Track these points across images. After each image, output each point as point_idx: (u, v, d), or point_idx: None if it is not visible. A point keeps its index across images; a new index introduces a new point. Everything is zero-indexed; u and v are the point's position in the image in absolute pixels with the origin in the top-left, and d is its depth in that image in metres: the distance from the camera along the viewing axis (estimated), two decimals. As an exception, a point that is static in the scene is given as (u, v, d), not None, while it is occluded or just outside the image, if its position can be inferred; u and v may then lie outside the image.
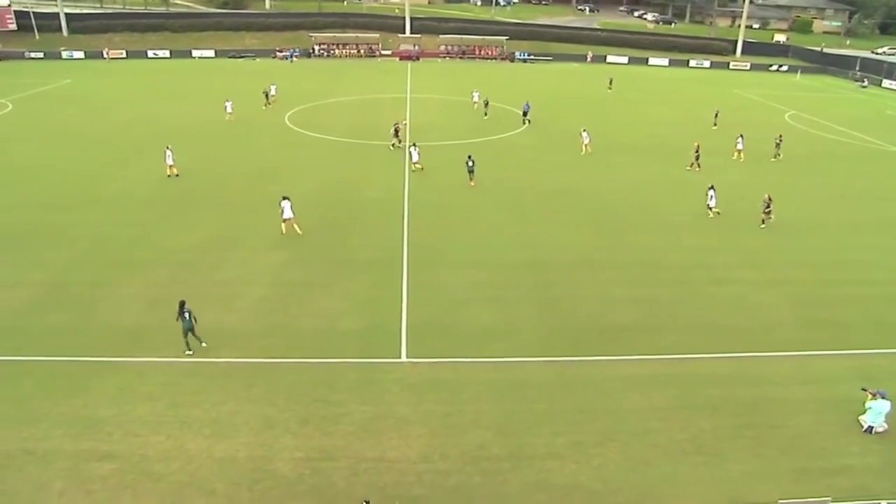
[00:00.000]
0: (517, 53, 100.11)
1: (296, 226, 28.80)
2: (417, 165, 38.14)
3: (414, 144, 39.27)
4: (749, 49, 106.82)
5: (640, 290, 24.69)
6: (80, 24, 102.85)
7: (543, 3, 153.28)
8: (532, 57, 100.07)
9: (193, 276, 24.85)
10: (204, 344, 20.22)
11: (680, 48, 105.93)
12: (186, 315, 19.76)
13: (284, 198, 28.72)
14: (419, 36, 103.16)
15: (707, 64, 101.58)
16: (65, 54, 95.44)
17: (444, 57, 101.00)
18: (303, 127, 49.46)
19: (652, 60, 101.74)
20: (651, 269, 26.54)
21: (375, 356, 20.02)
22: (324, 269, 25.58)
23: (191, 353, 19.97)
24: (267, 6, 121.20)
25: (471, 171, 35.86)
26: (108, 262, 25.92)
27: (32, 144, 44.03)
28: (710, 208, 31.95)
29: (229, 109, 51.13)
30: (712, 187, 32.18)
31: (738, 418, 17.96)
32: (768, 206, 30.88)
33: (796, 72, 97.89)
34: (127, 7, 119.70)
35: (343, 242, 28.22)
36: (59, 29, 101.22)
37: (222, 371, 19.19)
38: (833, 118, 60.47)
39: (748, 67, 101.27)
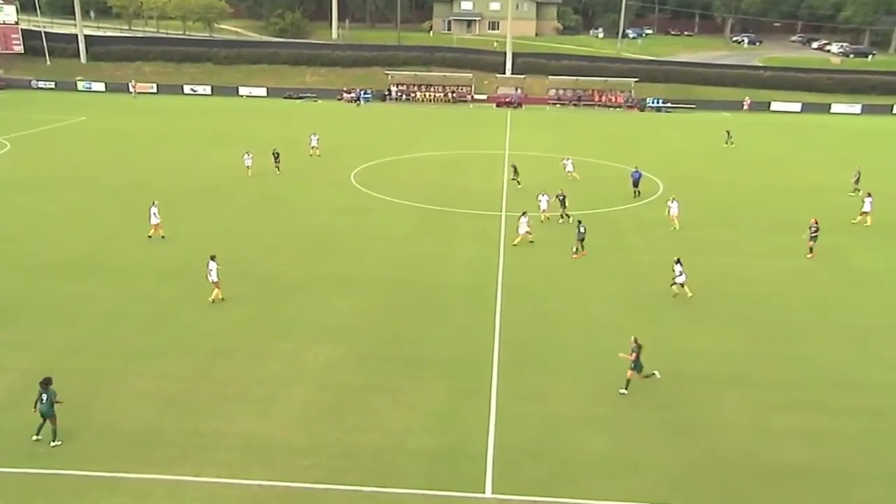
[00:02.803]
0: (649, 100, 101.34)
1: (216, 291, 31.08)
2: (529, 235, 39.61)
3: (524, 213, 40.43)
4: None
5: (814, 418, 23.74)
6: (103, 50, 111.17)
7: (686, 33, 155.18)
8: (668, 105, 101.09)
9: (224, 369, 25.69)
10: (55, 443, 20.92)
11: (880, 89, 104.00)
12: (44, 397, 20.79)
13: (212, 257, 30.90)
14: (523, 77, 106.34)
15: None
16: (81, 85, 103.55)
17: (554, 104, 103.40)
18: (372, 188, 51.45)
19: (836, 107, 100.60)
20: (829, 390, 25.55)
21: (451, 488, 19.91)
22: (390, 370, 25.97)
23: (38, 438, 20.96)
24: (334, 35, 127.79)
25: (581, 240, 38.06)
26: (117, 347, 27.15)
27: (33, 195, 47.67)
28: (681, 285, 32.62)
29: (248, 163, 53.96)
30: (678, 261, 32.54)
31: None
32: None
33: None
34: (161, 31, 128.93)
35: (416, 336, 28.71)
36: (77, 54, 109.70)
37: (252, 496, 19.49)
38: None
39: None
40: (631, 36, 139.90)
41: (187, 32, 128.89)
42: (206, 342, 27.66)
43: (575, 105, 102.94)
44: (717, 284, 34.98)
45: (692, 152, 69.77)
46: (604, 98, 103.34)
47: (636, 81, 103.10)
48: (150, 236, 39.09)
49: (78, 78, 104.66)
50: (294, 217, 44.18)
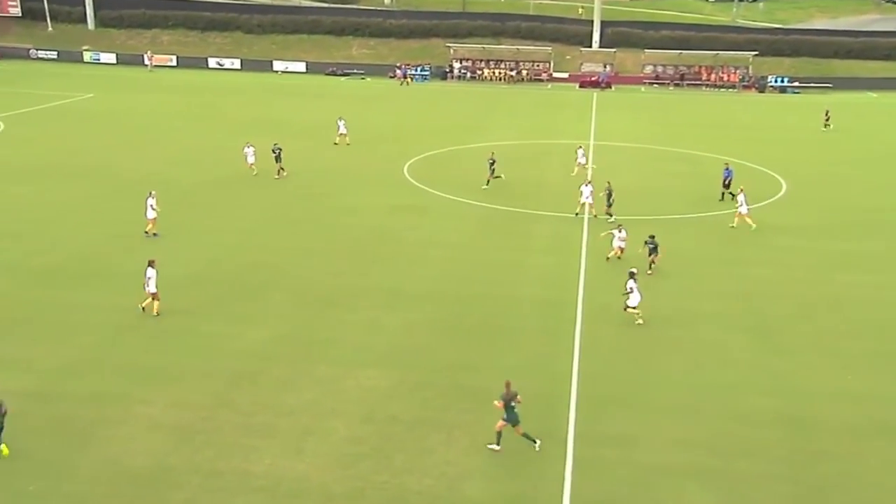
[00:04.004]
0: (770, 78, 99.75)
1: (155, 304, 31.31)
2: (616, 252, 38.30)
3: (619, 227, 39.03)
4: None
5: None
6: (113, 15, 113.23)
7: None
8: (796, 84, 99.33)
9: (249, 396, 25.89)
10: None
11: None
12: None
13: (150, 263, 31.37)
14: (613, 51, 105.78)
15: None
16: (88, 56, 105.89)
17: (651, 83, 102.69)
18: (429, 183, 51.79)
19: None
20: None
21: (518, 548, 19.86)
22: (446, 402, 25.91)
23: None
24: (386, 1, 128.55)
25: (653, 252, 37.02)
26: (123, 367, 27.59)
27: (29, 185, 49.15)
28: (633, 308, 31.61)
29: (251, 159, 52.62)
30: (633, 275, 31.71)
31: None
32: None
33: None
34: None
35: (479, 362, 28.61)
36: (83, 19, 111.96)
37: (280, 548, 19.74)
38: None
39: None
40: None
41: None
42: (228, 363, 27.93)
43: (676, 85, 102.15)
44: (857, 308, 34.22)
45: (825, 143, 68.71)
46: (713, 76, 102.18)
47: (755, 55, 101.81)
48: (146, 232, 40.09)
49: (84, 48, 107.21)
50: (336, 216, 44.62)
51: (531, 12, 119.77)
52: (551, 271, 37.16)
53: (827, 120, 74.54)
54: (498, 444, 23.18)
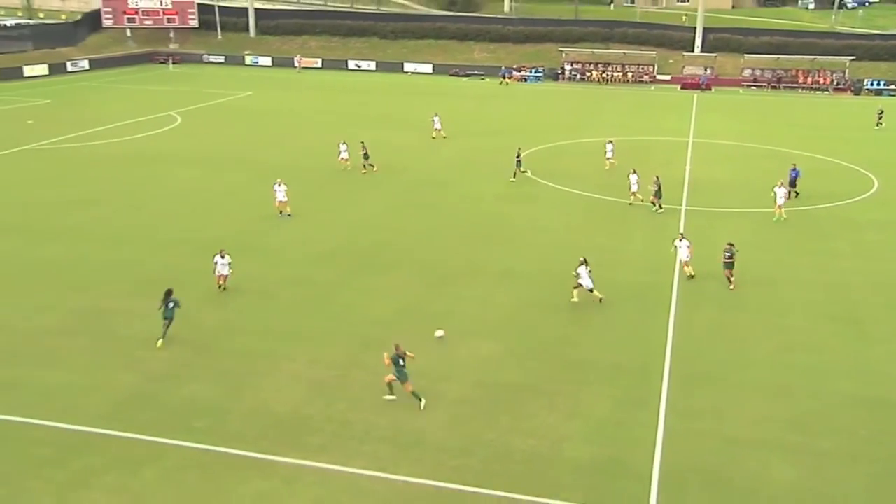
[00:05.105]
0: (867, 81, 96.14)
1: (221, 280, 32.14)
2: (687, 269, 34.30)
3: (682, 236, 35.05)
4: None
5: None
6: (271, 24, 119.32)
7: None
8: (893, 87, 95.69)
9: (376, 358, 26.22)
10: (160, 341, 26.73)
11: None
12: (171, 304, 26.80)
13: (220, 252, 31.97)
14: (714, 55, 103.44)
15: None
16: (249, 60, 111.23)
17: (749, 86, 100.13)
18: (539, 174, 51.63)
19: None
20: None
21: (611, 504, 19.93)
22: (549, 372, 26.11)
23: (160, 344, 26.69)
24: (506, 9, 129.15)
25: (729, 265, 33.12)
26: (271, 328, 28.86)
27: (194, 170, 51.87)
28: (590, 290, 30.82)
29: (344, 154, 52.40)
30: (584, 262, 31.09)
31: None
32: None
33: None
34: (329, 4, 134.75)
35: (580, 337, 28.79)
36: (246, 28, 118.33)
37: (397, 493, 20.11)
38: None
39: None
40: (850, 6, 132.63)
41: (354, 6, 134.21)
42: (359, 329, 28.85)
43: (773, 87, 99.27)
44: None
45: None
46: (809, 79, 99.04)
47: (852, 60, 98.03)
48: (280, 213, 41.62)
49: (246, 52, 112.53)
50: (454, 203, 45.21)
51: (638, 19, 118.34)
52: (649, 257, 36.77)
53: (880, 118, 73.06)
54: (392, 395, 23.94)
